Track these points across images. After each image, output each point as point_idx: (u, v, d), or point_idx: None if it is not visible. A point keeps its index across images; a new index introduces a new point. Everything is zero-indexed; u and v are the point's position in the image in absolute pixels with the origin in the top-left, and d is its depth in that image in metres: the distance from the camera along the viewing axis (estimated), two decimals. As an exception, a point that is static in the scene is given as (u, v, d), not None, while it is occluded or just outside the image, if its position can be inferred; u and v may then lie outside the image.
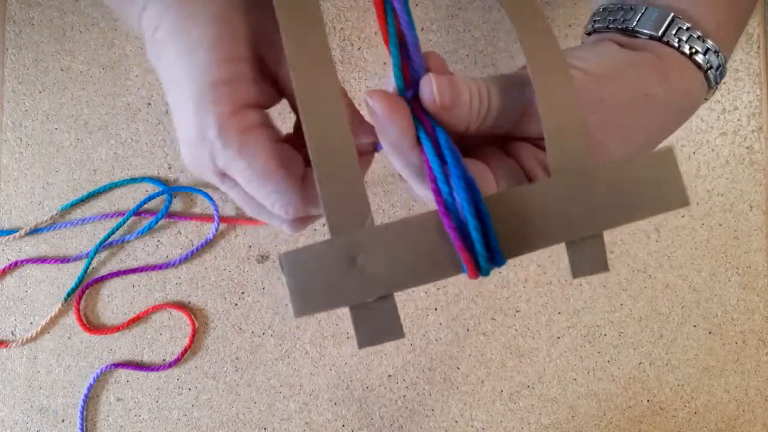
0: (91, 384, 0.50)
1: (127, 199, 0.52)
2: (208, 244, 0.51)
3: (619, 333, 0.53)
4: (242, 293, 0.52)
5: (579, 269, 0.23)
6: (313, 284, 0.20)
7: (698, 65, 0.28)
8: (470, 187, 0.21)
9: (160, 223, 0.51)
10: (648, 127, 0.27)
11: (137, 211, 0.51)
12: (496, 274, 0.53)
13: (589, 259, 0.22)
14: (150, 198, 0.51)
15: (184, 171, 0.52)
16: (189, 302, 0.51)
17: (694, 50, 0.27)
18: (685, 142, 0.54)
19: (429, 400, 0.52)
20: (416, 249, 0.21)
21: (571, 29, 0.55)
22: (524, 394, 0.52)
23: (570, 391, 0.52)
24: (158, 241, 0.52)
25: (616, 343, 0.53)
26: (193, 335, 0.51)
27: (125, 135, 0.52)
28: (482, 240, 0.21)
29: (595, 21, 0.31)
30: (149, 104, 0.52)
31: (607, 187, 0.22)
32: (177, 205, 0.52)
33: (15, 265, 0.51)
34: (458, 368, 0.52)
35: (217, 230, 0.51)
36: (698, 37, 0.27)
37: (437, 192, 0.21)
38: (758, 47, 0.55)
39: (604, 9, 0.30)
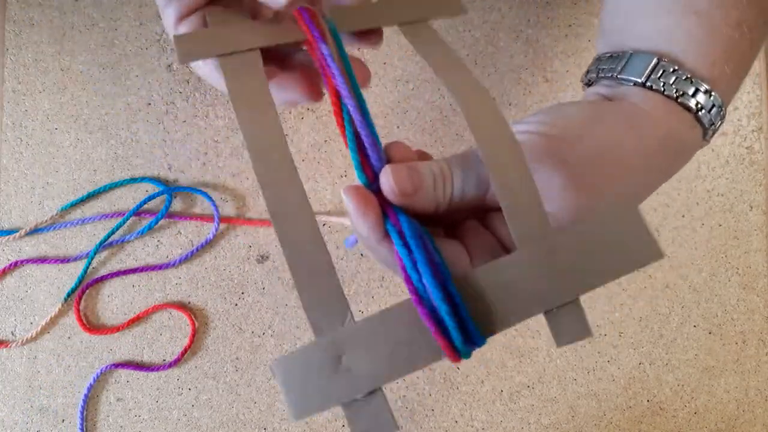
0: (91, 384, 0.50)
1: (127, 199, 0.52)
2: (208, 244, 0.52)
3: (619, 333, 0.53)
4: (242, 293, 0.52)
5: (561, 338, 0.22)
6: (306, 387, 0.21)
7: (687, 107, 0.27)
8: (438, 272, 0.22)
9: (160, 223, 0.51)
10: (626, 176, 0.26)
11: (137, 211, 0.51)
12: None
13: (569, 326, 0.22)
14: (150, 198, 0.51)
15: (185, 171, 0.52)
16: (189, 302, 0.51)
17: (679, 93, 0.27)
18: (685, 142, 0.54)
19: (429, 400, 0.52)
20: (396, 340, 0.21)
21: (570, 29, 0.55)
22: (524, 394, 0.52)
23: (570, 391, 0.52)
24: (158, 241, 0.52)
25: (616, 343, 0.53)
26: (193, 335, 0.51)
27: (125, 135, 0.52)
28: (456, 324, 0.21)
29: (588, 72, 0.31)
30: (149, 104, 0.52)
31: (574, 253, 0.22)
32: (177, 205, 0.52)
33: (15, 265, 0.51)
34: (458, 368, 0.52)
35: (217, 230, 0.51)
36: (686, 79, 0.27)
37: (408, 280, 0.22)
38: (758, 47, 0.55)
39: (596, 59, 0.31)
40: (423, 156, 0.29)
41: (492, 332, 0.22)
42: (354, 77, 0.26)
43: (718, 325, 0.54)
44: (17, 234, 0.50)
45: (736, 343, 0.54)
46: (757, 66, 0.55)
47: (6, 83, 0.52)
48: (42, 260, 0.51)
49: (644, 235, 0.22)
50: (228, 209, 0.52)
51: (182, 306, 0.51)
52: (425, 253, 0.22)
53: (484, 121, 0.24)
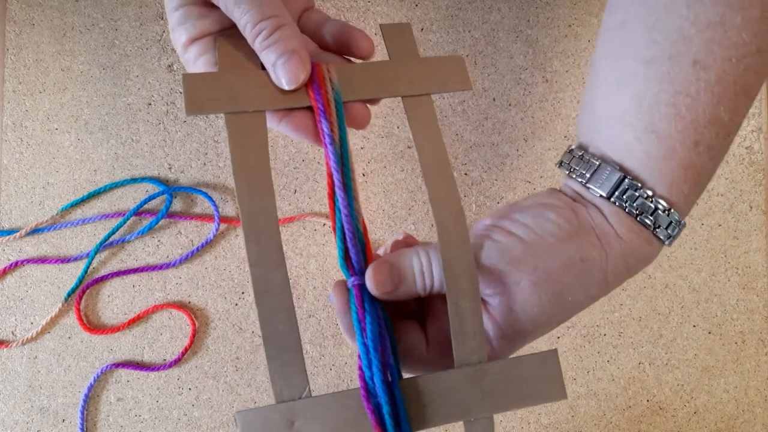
0: (91, 384, 0.50)
1: (128, 199, 0.52)
2: (208, 244, 0.52)
3: (619, 333, 0.53)
4: (242, 293, 0.52)
5: None
6: None
7: (645, 225, 0.30)
8: (387, 374, 0.26)
9: (160, 223, 0.51)
10: (586, 286, 0.30)
11: (137, 211, 0.51)
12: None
13: None
14: (150, 198, 0.51)
15: (185, 171, 0.52)
16: (189, 302, 0.51)
17: (640, 211, 0.30)
18: (684, 143, 0.54)
19: (429, 399, 0.52)
20: (341, 418, 0.25)
21: (570, 29, 0.55)
22: (524, 394, 0.52)
23: (570, 390, 0.53)
24: (158, 241, 0.52)
25: (616, 343, 0.53)
26: (194, 335, 0.51)
27: (125, 135, 0.52)
28: (393, 421, 0.25)
29: (562, 162, 0.33)
30: (149, 104, 0.52)
31: (498, 381, 0.27)
32: (177, 205, 0.52)
33: (15, 265, 0.51)
34: (458, 368, 0.52)
35: (217, 230, 0.51)
36: (647, 197, 0.29)
37: (361, 376, 0.26)
38: (758, 47, 0.55)
39: (571, 151, 0.33)
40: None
41: (420, 428, 0.26)
42: (348, 157, 0.29)
43: (717, 325, 0.54)
44: (17, 234, 0.50)
45: (736, 343, 0.54)
46: (757, 66, 0.55)
47: (6, 83, 0.52)
48: (42, 260, 0.51)
49: (556, 378, 0.27)
50: (228, 209, 0.52)
51: (182, 306, 0.51)
52: (380, 356, 0.26)
53: (451, 238, 0.28)
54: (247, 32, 0.28)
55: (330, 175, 0.29)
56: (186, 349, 0.51)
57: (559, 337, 0.53)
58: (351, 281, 0.28)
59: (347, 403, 0.25)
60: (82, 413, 0.50)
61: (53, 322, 0.50)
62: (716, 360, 0.53)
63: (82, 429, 0.50)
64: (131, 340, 0.51)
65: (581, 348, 0.53)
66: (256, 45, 0.28)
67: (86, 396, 0.50)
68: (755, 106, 0.55)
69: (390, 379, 0.26)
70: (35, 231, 0.51)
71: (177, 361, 0.51)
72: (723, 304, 0.54)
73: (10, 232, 0.51)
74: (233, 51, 0.29)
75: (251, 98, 0.28)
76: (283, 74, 0.28)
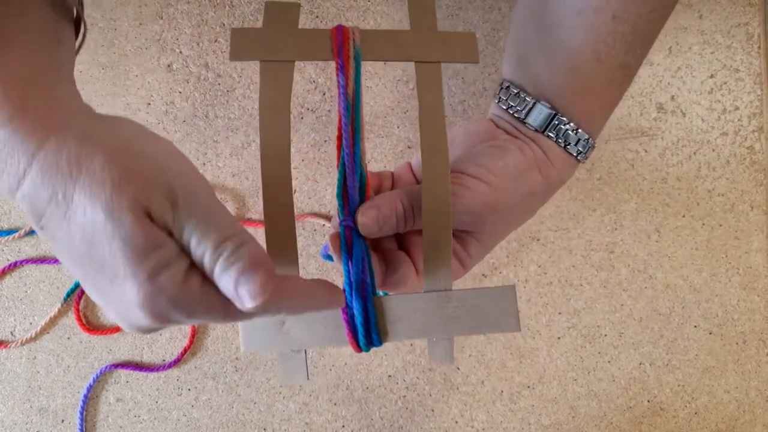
0: (90, 384, 0.50)
1: (127, 199, 0.52)
2: (207, 245, 0.51)
3: (620, 333, 0.53)
4: (242, 293, 0.52)
5: (433, 359, 0.31)
6: (256, 334, 0.30)
7: (570, 153, 0.36)
8: (364, 291, 0.30)
9: (159, 223, 0.51)
10: (532, 211, 0.37)
11: (137, 212, 0.51)
12: (498, 274, 0.53)
13: (440, 353, 0.31)
14: (150, 198, 0.51)
15: (184, 171, 0.52)
16: (189, 302, 0.51)
17: (568, 143, 0.35)
18: (685, 142, 0.54)
19: (429, 400, 0.52)
20: (323, 324, 0.30)
21: (571, 29, 0.54)
22: (524, 395, 0.52)
23: (570, 391, 0.52)
24: (158, 241, 0.51)
25: (617, 344, 0.53)
26: (193, 335, 0.51)
27: (125, 135, 0.52)
28: (364, 332, 0.30)
29: (500, 98, 0.38)
30: (149, 104, 0.52)
31: (459, 308, 0.30)
32: (177, 205, 0.52)
33: (14, 266, 0.50)
34: (458, 368, 0.52)
35: (216, 230, 0.51)
36: (573, 131, 0.35)
37: (342, 292, 0.29)
38: (758, 47, 0.55)
39: (507, 88, 0.37)
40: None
41: (388, 341, 0.31)
42: (359, 108, 0.32)
43: (718, 326, 0.54)
44: (17, 234, 0.50)
45: (737, 344, 0.54)
46: (757, 65, 0.54)
47: (5, 83, 0.52)
48: (41, 260, 0.50)
49: (512, 311, 0.31)
50: (227, 209, 0.52)
51: (182, 306, 0.51)
52: (359, 276, 0.30)
53: (434, 183, 0.31)
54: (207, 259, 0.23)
55: (339, 120, 0.32)
56: (185, 350, 0.51)
57: (559, 338, 0.52)
58: (342, 220, 0.32)
59: (329, 312, 0.30)
60: (82, 414, 0.50)
61: (52, 322, 0.50)
62: (717, 360, 0.53)
63: (81, 429, 0.50)
64: (130, 341, 0.51)
65: (582, 348, 0.53)
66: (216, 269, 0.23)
67: (85, 396, 0.50)
68: (756, 106, 0.54)
69: (365, 295, 0.30)
70: (34, 231, 0.51)
71: (176, 362, 0.50)
72: (724, 304, 0.54)
73: (9, 232, 0.50)
74: (278, 13, 0.33)
75: (284, 51, 0.32)
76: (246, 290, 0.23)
